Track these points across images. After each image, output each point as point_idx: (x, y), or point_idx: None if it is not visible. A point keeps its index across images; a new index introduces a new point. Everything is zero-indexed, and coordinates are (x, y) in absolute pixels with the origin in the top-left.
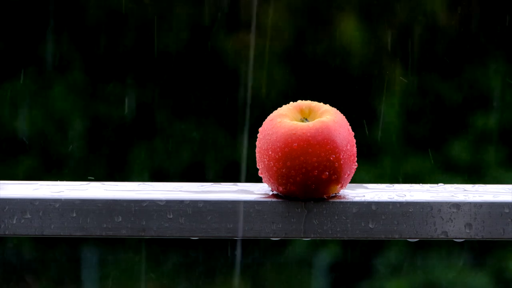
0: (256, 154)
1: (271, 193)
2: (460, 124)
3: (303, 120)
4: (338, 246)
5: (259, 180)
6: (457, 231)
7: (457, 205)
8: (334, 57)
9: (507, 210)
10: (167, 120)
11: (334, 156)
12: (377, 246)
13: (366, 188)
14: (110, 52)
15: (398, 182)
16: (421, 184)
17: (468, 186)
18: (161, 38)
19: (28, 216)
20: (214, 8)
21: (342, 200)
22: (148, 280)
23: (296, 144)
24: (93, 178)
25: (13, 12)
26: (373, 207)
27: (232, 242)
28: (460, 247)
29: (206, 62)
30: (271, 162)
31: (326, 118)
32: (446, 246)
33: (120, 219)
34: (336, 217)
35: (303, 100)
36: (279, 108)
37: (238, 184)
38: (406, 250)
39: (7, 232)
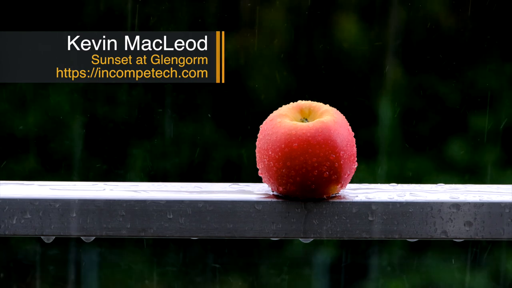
0: (256, 154)
1: (271, 193)
2: (460, 124)
3: (303, 120)
4: (338, 246)
5: (259, 180)
6: (457, 231)
7: (457, 205)
8: (333, 57)
9: (507, 210)
10: (166, 120)
11: (334, 156)
12: (377, 246)
13: (366, 188)
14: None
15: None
16: (421, 184)
17: (468, 186)
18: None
19: (28, 216)
20: (213, 7)
21: (342, 200)
22: (148, 280)
23: (296, 144)
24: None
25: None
26: (373, 207)
27: (232, 242)
28: (460, 247)
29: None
30: (271, 162)
31: (326, 118)
32: (446, 246)
33: (120, 219)
34: (336, 217)
35: (303, 100)
36: (279, 108)
37: (238, 184)
38: (406, 250)
39: (7, 232)
